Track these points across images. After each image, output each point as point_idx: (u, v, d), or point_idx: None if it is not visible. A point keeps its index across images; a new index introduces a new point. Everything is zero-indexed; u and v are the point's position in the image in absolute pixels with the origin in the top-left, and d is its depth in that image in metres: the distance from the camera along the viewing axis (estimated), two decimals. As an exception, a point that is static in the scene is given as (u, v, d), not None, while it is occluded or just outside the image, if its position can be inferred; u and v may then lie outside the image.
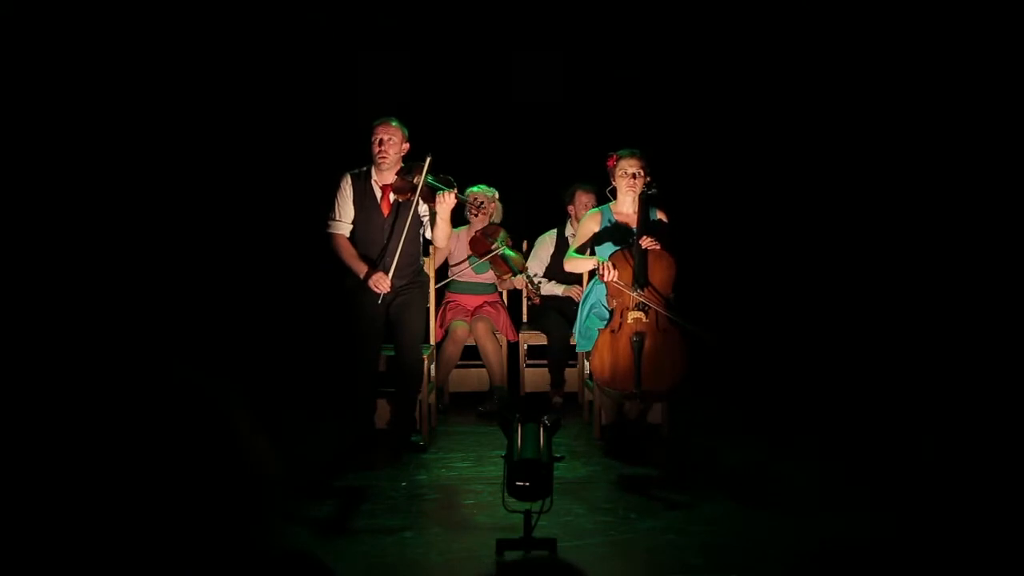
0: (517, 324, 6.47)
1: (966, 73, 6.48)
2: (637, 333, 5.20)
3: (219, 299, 6.76)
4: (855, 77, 6.78)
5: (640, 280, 5.23)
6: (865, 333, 6.63)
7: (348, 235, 5.26)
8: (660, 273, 5.26)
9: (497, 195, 6.39)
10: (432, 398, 5.74)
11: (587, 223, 5.52)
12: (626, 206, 5.42)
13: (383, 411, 5.43)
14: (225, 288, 6.80)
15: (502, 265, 6.13)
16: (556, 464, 3.88)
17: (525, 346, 6.38)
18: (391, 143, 5.15)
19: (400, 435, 5.31)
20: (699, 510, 4.40)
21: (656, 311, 5.20)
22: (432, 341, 5.76)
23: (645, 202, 5.33)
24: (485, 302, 6.32)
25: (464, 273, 6.31)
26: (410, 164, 5.19)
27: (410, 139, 5.24)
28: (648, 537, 4.10)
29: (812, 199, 6.92)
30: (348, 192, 5.23)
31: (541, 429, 3.88)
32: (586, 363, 5.82)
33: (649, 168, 5.35)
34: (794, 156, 6.94)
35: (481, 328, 6.15)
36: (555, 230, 6.45)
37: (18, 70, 6.15)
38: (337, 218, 5.25)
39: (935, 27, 6.41)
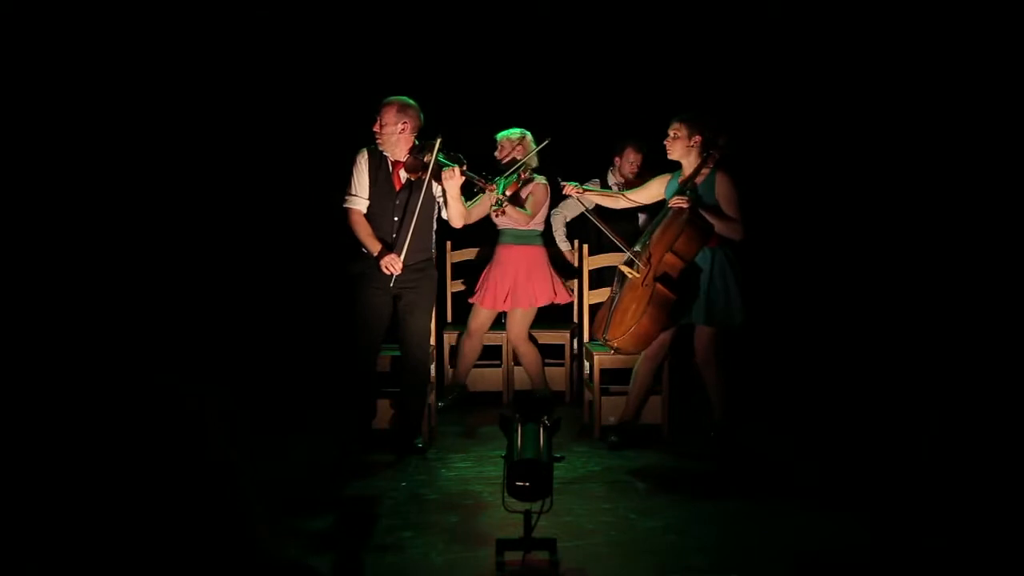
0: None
1: (969, 72, 6.47)
2: (619, 284, 5.32)
3: (217, 297, 6.75)
4: (862, 73, 6.77)
5: (645, 236, 5.29)
6: (866, 330, 6.62)
7: (365, 211, 5.24)
8: (667, 233, 5.20)
9: (529, 136, 6.00)
10: (432, 398, 5.74)
11: (656, 180, 5.52)
12: (683, 168, 5.38)
13: (385, 412, 5.44)
14: (224, 286, 6.78)
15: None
16: (556, 464, 3.88)
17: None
18: (385, 125, 5.14)
19: (403, 438, 5.32)
20: (699, 510, 4.41)
21: (648, 266, 5.20)
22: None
23: (701, 165, 5.27)
24: (526, 267, 5.96)
25: (501, 220, 5.90)
26: (423, 142, 5.19)
27: (424, 114, 5.23)
28: (648, 537, 4.11)
29: (814, 195, 6.91)
30: (364, 167, 5.22)
31: (541, 429, 3.88)
32: (586, 364, 5.83)
33: (694, 130, 5.26)
34: (802, 149, 6.93)
35: (513, 335, 6.04)
36: (597, 180, 6.44)
37: (17, 70, 6.15)
38: (353, 192, 5.23)
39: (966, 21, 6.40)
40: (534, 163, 5.98)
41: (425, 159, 5.12)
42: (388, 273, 5.08)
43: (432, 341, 5.81)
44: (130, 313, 6.31)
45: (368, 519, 4.29)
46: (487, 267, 6.12)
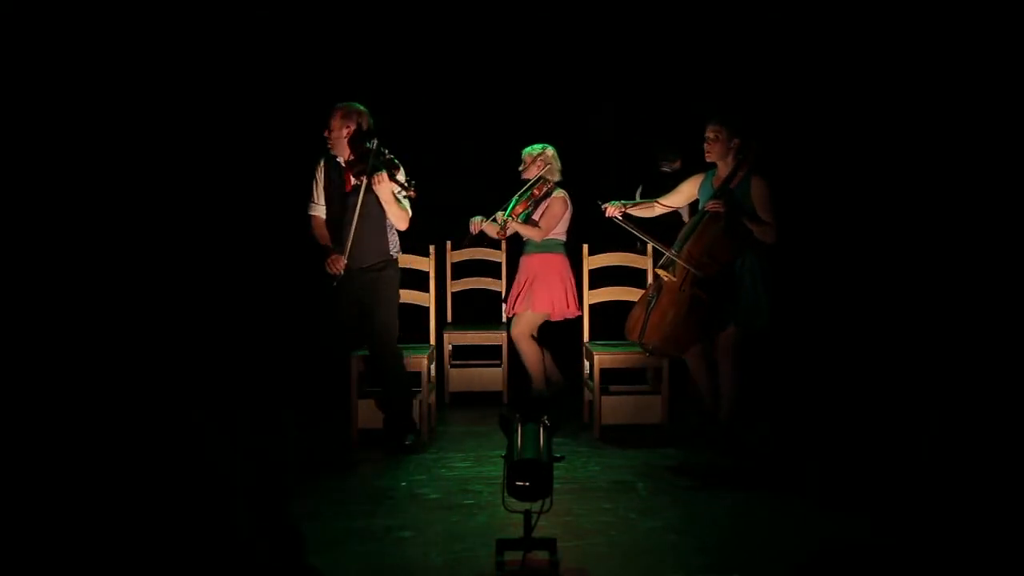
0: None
1: (969, 72, 6.46)
2: (656, 287, 5.33)
3: (214, 297, 6.74)
4: (859, 73, 6.76)
5: (681, 239, 5.30)
6: (867, 330, 6.62)
7: (325, 217, 5.38)
8: (703, 237, 5.21)
9: (550, 151, 6.02)
10: (432, 398, 5.74)
11: (688, 182, 5.53)
12: (719, 169, 5.39)
13: (375, 412, 5.46)
14: (219, 285, 6.78)
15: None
16: (556, 464, 3.88)
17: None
18: (332, 130, 5.27)
19: (392, 437, 5.35)
20: (699, 510, 4.41)
21: (686, 269, 5.20)
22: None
23: (737, 168, 5.28)
24: (543, 272, 5.97)
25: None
26: (366, 146, 5.25)
27: (370, 116, 5.29)
28: (648, 537, 4.11)
29: (812, 190, 6.90)
30: (321, 175, 5.38)
31: (541, 429, 3.88)
32: (586, 363, 5.83)
33: (733, 133, 5.27)
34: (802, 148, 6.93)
35: (515, 332, 6.03)
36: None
37: (16, 70, 6.14)
38: (314, 200, 5.40)
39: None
40: (556, 177, 6.02)
41: (367, 163, 5.20)
42: (331, 273, 5.20)
43: (432, 341, 5.82)
44: (125, 314, 6.30)
45: (368, 519, 4.29)
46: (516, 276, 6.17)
